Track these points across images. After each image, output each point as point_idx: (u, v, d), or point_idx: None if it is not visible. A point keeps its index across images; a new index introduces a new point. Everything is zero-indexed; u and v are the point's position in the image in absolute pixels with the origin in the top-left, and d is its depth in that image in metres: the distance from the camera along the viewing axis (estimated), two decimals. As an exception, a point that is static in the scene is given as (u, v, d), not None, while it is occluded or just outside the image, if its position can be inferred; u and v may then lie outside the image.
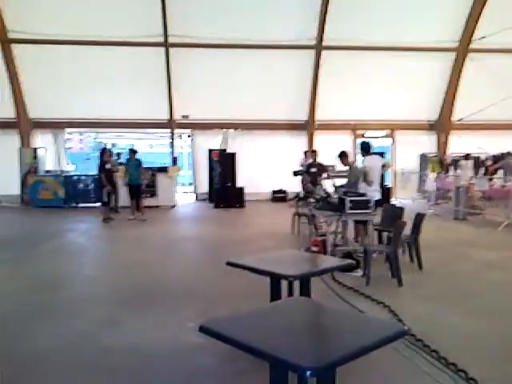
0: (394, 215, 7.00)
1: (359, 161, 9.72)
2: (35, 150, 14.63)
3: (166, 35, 13.93)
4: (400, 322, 4.43)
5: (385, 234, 7.24)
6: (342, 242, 7.62)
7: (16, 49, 13.87)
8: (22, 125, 14.60)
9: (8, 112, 14.35)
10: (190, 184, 17.47)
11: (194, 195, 16.04)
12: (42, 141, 15.20)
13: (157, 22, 13.64)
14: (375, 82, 14.74)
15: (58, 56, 13.85)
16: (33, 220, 12.15)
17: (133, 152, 12.13)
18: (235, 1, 13.52)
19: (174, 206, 14.16)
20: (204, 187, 15.52)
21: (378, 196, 7.58)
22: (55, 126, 15.15)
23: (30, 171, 14.19)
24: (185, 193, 16.81)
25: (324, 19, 13.86)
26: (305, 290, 3.76)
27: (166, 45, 14.11)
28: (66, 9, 13.24)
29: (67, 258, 7.80)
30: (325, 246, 6.97)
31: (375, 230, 7.31)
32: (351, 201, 6.75)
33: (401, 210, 7.23)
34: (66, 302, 5.40)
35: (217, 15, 13.66)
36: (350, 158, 8.31)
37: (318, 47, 14.41)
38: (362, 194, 7.05)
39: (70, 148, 16.41)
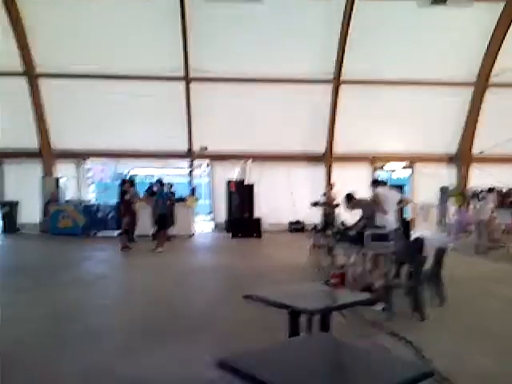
0: (415, 248, 6.88)
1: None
2: (57, 179, 14.92)
3: (186, 70, 14.26)
4: (424, 358, 4.30)
5: (404, 267, 7.11)
6: (361, 275, 7.49)
7: (42, 83, 14.33)
8: (46, 155, 14.94)
9: (32, 142, 14.73)
10: (208, 213, 17.52)
11: (212, 225, 16.06)
12: (64, 170, 15.51)
13: (178, 57, 13.99)
14: (394, 115, 14.78)
15: (82, 89, 14.25)
16: (52, 248, 12.26)
17: (160, 183, 12.32)
18: (253, 38, 13.78)
19: (191, 235, 14.18)
20: (222, 217, 15.55)
21: (395, 225, 7.46)
22: (77, 156, 15.48)
23: (51, 200, 14.42)
24: (203, 222, 16.85)
25: (342, 54, 14.05)
26: (325, 325, 3.68)
27: (187, 79, 14.42)
28: (90, 45, 13.70)
29: (85, 286, 7.81)
30: (344, 279, 6.86)
31: (394, 263, 7.18)
32: (370, 234, 6.67)
33: (421, 243, 7.11)
34: (82, 332, 5.37)
35: (235, 51, 13.97)
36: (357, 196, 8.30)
37: (336, 82, 14.57)
38: (381, 227, 6.97)
39: (90, 177, 16.65)
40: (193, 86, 14.53)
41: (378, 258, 7.39)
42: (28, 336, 5.20)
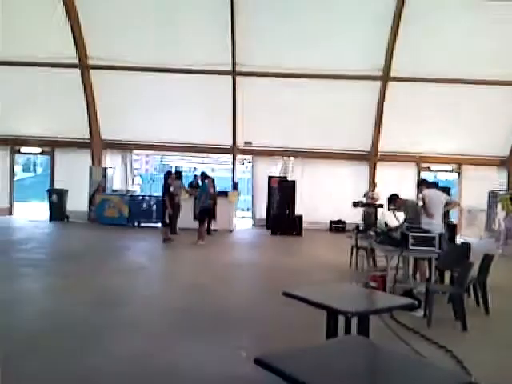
0: (460, 254, 6.69)
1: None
2: (105, 169, 15.37)
3: (233, 64, 14.32)
4: (464, 369, 4.17)
5: (447, 273, 6.93)
6: (402, 278, 7.35)
7: (94, 74, 14.76)
8: (95, 145, 15.42)
9: (83, 132, 15.22)
10: (248, 209, 17.62)
11: (252, 221, 16.14)
12: (111, 161, 15.98)
13: (226, 51, 14.06)
14: (443, 114, 14.33)
15: (131, 81, 14.59)
16: (98, 236, 12.66)
17: (204, 176, 12.49)
18: (301, 32, 13.66)
19: (231, 231, 14.29)
20: (262, 213, 15.58)
21: (440, 230, 7.27)
22: (124, 147, 15.90)
23: (98, 189, 14.87)
24: (243, 218, 16.96)
25: (392, 50, 13.73)
26: (363, 328, 3.63)
27: (234, 73, 14.49)
28: (140, 37, 13.98)
29: (127, 275, 8.02)
30: (384, 283, 6.75)
31: (437, 268, 7.00)
32: (414, 236, 6.52)
33: (467, 248, 6.90)
34: (122, 320, 5.53)
35: (282, 45, 13.88)
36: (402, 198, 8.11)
37: (385, 78, 14.26)
38: (426, 231, 6.80)
39: (136, 169, 17.10)
40: (239, 80, 14.58)
41: (421, 262, 7.23)
42: (71, 320, 5.41)
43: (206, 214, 11.99)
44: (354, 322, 3.78)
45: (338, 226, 15.05)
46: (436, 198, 7.51)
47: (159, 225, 12.97)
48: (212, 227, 13.04)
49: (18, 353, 4.35)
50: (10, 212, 15.79)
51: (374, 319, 4.87)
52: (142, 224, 14.51)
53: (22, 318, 5.44)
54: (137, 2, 13.50)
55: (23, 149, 16.36)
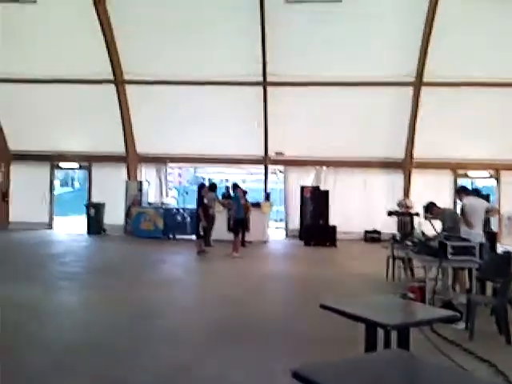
0: (502, 264, 6.46)
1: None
2: (140, 182, 15.68)
3: (264, 75, 14.41)
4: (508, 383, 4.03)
5: (489, 284, 6.71)
6: (441, 289, 7.16)
7: (128, 89, 15.14)
8: (130, 159, 15.76)
9: (119, 147, 15.59)
10: (281, 220, 17.58)
11: (285, 231, 16.09)
12: (146, 174, 16.28)
13: (257, 62, 14.15)
14: (479, 119, 13.98)
15: (164, 95, 14.88)
16: (134, 249, 12.88)
17: (236, 187, 12.53)
18: (330, 40, 13.63)
19: (265, 242, 14.28)
20: (295, 224, 15.52)
21: (480, 239, 7.06)
22: (158, 160, 16.17)
23: (134, 203, 15.16)
24: (276, 228, 16.93)
25: (425, 55, 13.52)
26: (403, 342, 3.55)
27: (265, 84, 14.57)
28: (171, 52, 14.24)
29: (163, 288, 8.10)
30: (423, 294, 6.59)
31: (478, 278, 6.79)
32: (453, 246, 6.35)
33: (509, 258, 6.66)
34: (159, 333, 5.58)
35: (312, 53, 13.85)
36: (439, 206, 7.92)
37: (418, 84, 14.05)
38: (466, 239, 6.62)
39: (170, 181, 17.35)
40: (270, 90, 14.64)
41: (460, 273, 7.04)
42: (108, 333, 5.50)
43: (239, 225, 12.02)
44: (394, 334, 3.72)
45: (372, 236, 14.84)
46: (476, 206, 7.30)
47: (194, 237, 13.10)
48: (246, 239, 13.05)
49: (57, 366, 4.45)
50: (49, 226, 16.28)
51: (414, 332, 4.76)
52: (177, 236, 14.68)
53: (61, 331, 5.58)
54: (169, 18, 13.74)
55: (62, 164, 16.90)
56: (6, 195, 16.09)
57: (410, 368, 2.74)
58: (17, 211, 15.98)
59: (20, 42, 14.38)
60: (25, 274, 8.64)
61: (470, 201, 7.35)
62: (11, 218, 16.07)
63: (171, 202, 16.80)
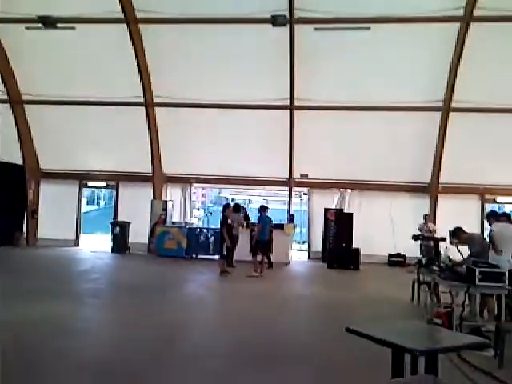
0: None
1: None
2: (165, 202, 15.88)
3: (291, 99, 14.55)
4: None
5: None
6: (468, 316, 7.01)
7: (158, 111, 15.49)
8: (156, 179, 16.02)
9: (146, 167, 15.89)
10: (304, 242, 17.51)
11: (308, 253, 16.02)
12: (171, 194, 16.50)
13: (284, 86, 14.34)
14: (506, 145, 13.84)
15: (191, 118, 15.16)
16: (158, 268, 12.96)
17: (263, 209, 12.55)
18: (356, 65, 13.78)
19: (288, 263, 14.23)
20: (318, 246, 15.45)
21: (508, 267, 6.90)
22: (184, 180, 16.39)
23: (158, 222, 15.34)
24: (298, 250, 16.86)
25: (454, 81, 13.49)
26: (431, 368, 3.50)
27: (291, 107, 14.71)
28: (201, 77, 14.55)
29: (187, 307, 8.14)
30: (449, 319, 6.48)
31: (507, 305, 6.63)
32: (482, 272, 6.24)
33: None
34: (182, 354, 5.56)
35: (338, 78, 14.04)
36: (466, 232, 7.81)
37: (446, 109, 14.00)
38: (494, 265, 6.50)
39: (194, 201, 17.53)
40: (296, 114, 14.78)
41: (489, 299, 6.90)
42: (128, 352, 5.54)
43: (261, 246, 12.02)
44: (421, 360, 3.66)
45: (396, 260, 14.65)
46: (506, 232, 7.17)
47: (216, 257, 13.13)
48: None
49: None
50: (76, 243, 16.56)
51: (440, 358, 4.68)
52: (200, 256, 14.75)
53: (82, 348, 5.65)
54: (197, 45, 14.11)
55: (90, 183, 17.27)
56: (35, 212, 16.47)
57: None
58: (45, 228, 16.34)
59: (54, 65, 14.95)
60: (52, 290, 8.78)
61: (498, 227, 7.23)
62: (39, 235, 16.43)
63: (195, 221, 16.95)
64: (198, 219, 17.36)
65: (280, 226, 14.56)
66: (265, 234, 11.98)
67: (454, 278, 6.70)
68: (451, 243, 8.43)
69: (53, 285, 9.41)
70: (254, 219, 14.14)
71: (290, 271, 13.53)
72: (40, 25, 13.49)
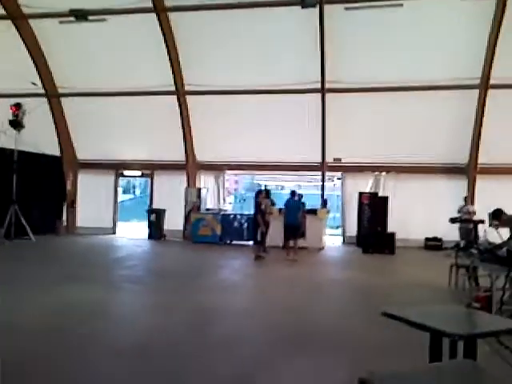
0: None
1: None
2: (199, 189, 16.07)
3: (323, 81, 14.37)
4: None
5: None
6: (509, 300, 6.83)
7: (189, 100, 15.60)
8: (190, 167, 16.20)
9: (179, 155, 16.08)
10: (338, 227, 17.40)
11: (342, 238, 15.91)
12: (204, 181, 16.67)
13: (316, 69, 14.17)
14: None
15: (223, 104, 15.21)
16: (192, 254, 13.19)
17: (293, 194, 12.66)
18: (392, 44, 13.46)
19: (321, 249, 14.19)
20: (352, 231, 15.31)
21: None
22: (217, 168, 16.51)
23: (193, 209, 15.55)
24: (332, 235, 16.78)
25: (492, 57, 13.00)
26: (470, 353, 3.44)
27: (323, 91, 14.53)
28: (231, 62, 14.61)
29: (221, 293, 8.21)
30: (489, 304, 6.32)
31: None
32: (523, 254, 6.06)
33: None
34: (218, 339, 5.61)
35: (372, 60, 13.74)
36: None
37: (484, 87, 13.51)
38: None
39: (228, 188, 17.66)
40: (328, 97, 14.60)
41: (531, 283, 6.69)
42: (169, 337, 5.62)
43: (287, 230, 12.07)
44: (460, 345, 3.60)
45: (433, 244, 14.39)
46: None
47: (250, 243, 13.21)
48: (302, 245, 12.88)
49: (109, 366, 4.64)
50: (113, 231, 16.99)
51: (479, 343, 4.58)
52: (234, 242, 14.88)
53: (119, 332, 5.80)
54: (227, 31, 14.07)
55: (126, 172, 17.63)
56: (74, 202, 16.97)
57: (480, 380, 2.67)
58: (83, 217, 16.84)
59: (88, 58, 15.23)
60: (90, 276, 9.05)
61: None
62: (78, 223, 16.93)
63: (228, 208, 17.08)
64: (231, 205, 17.46)
65: (313, 211, 14.50)
66: (291, 218, 11.95)
67: (494, 260, 6.53)
68: (490, 225, 8.20)
69: (91, 271, 9.69)
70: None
71: (324, 256, 13.50)
72: (72, 18, 13.74)
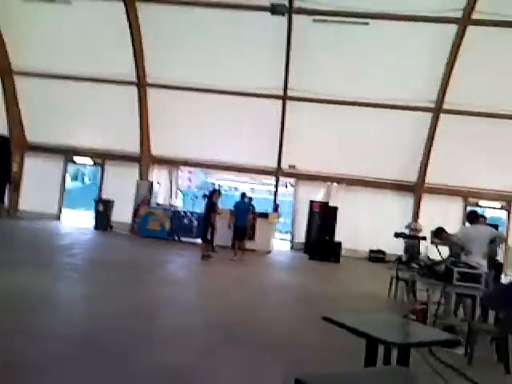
0: (508, 294, 6.45)
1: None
2: (151, 183, 15.81)
3: (285, 89, 14.54)
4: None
5: (491, 312, 6.70)
6: (443, 314, 7.14)
7: (149, 92, 15.33)
8: (144, 160, 15.92)
9: (134, 147, 15.77)
10: (287, 232, 17.60)
11: (290, 244, 16.11)
12: (157, 176, 16.42)
13: (278, 76, 14.31)
14: (496, 150, 13.97)
15: (182, 101, 15.06)
16: (139, 248, 12.96)
17: (243, 196, 12.88)
18: (352, 59, 13.75)
19: (269, 252, 14.32)
20: (301, 237, 15.53)
21: (484, 267, 6.99)
22: (171, 163, 16.32)
23: (143, 202, 15.28)
24: (282, 239, 16.96)
25: (447, 83, 13.56)
26: (403, 360, 3.57)
27: (284, 98, 14.69)
28: (195, 61, 14.48)
29: (166, 287, 8.16)
30: (424, 316, 6.60)
31: (480, 306, 6.78)
32: (460, 272, 6.36)
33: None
34: (160, 331, 5.63)
35: (333, 74, 13.98)
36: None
37: (437, 110, 14.08)
38: (473, 267, 6.61)
39: (180, 185, 17.49)
40: (289, 104, 14.77)
41: (465, 299, 7.03)
42: (106, 328, 5.53)
43: (236, 231, 12.25)
44: (393, 352, 3.73)
45: (377, 256, 14.82)
46: (473, 233, 7.22)
47: (199, 240, 13.15)
48: (249, 247, 13.04)
49: (47, 355, 4.51)
50: (58, 217, 16.44)
51: (412, 352, 4.77)
52: (182, 239, 14.76)
53: (59, 322, 5.64)
54: (193, 29, 13.98)
55: (76, 159, 17.09)
56: (18, 185, 16.27)
57: (409, 385, 2.77)
58: (27, 200, 16.19)
59: (48, 39, 14.70)
60: (30, 262, 8.70)
61: (465, 230, 7.34)
62: (21, 206, 16.26)
63: (180, 204, 16.91)
64: (182, 202, 17.33)
65: (264, 215, 14.63)
66: (241, 220, 12.08)
67: (432, 276, 6.82)
68: (432, 243, 8.54)
69: (31, 257, 9.33)
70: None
71: (271, 260, 13.62)
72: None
